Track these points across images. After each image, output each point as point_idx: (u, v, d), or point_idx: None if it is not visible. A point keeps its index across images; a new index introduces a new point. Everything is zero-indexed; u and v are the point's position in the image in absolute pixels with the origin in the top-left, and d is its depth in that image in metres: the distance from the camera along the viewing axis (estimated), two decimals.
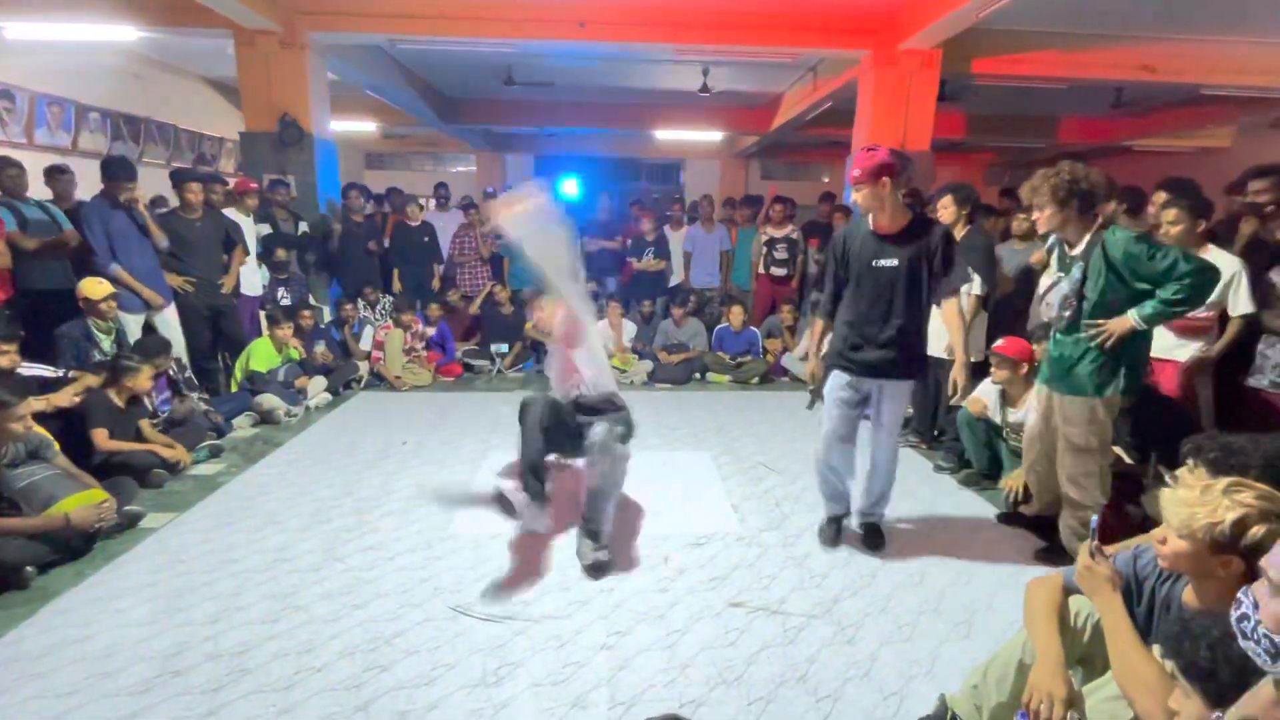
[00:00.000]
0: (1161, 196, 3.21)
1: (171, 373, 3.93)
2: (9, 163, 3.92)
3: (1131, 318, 2.29)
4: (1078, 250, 2.39)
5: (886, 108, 5.60)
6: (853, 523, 2.87)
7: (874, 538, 2.77)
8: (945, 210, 3.57)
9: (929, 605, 2.34)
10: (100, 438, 3.11)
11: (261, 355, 4.51)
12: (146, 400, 3.64)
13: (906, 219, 2.50)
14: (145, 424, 3.43)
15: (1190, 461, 1.60)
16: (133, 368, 3.26)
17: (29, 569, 2.35)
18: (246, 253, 4.87)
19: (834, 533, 2.79)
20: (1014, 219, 4.24)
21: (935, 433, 3.98)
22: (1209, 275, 2.20)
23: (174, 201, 4.57)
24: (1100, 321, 2.35)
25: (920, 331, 2.59)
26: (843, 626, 2.20)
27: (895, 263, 2.48)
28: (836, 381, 2.64)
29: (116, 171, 3.98)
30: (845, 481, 2.78)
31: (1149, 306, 2.26)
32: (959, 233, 3.56)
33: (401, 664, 1.98)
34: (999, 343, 3.17)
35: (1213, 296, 2.83)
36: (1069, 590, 1.53)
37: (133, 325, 4.05)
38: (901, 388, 2.64)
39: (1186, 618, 1.16)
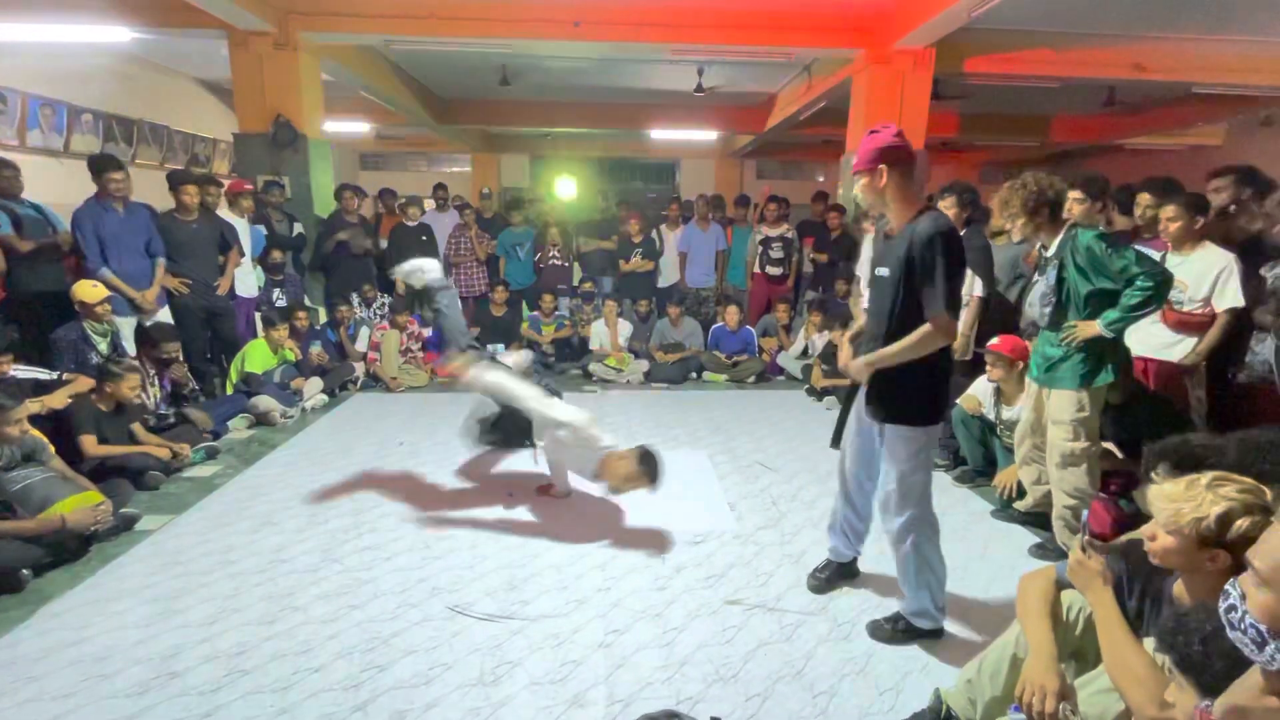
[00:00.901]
0: (1146, 198, 3.24)
1: (176, 361, 3.98)
2: (5, 164, 3.90)
3: (1098, 326, 2.38)
4: (1051, 251, 2.49)
5: (880, 107, 5.62)
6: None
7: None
8: (947, 211, 3.59)
9: None
10: (89, 444, 3.10)
11: (257, 357, 4.51)
12: (147, 398, 3.65)
13: (910, 215, 1.93)
14: (138, 426, 3.42)
15: (1159, 468, 1.61)
16: (117, 374, 3.23)
17: (25, 571, 2.34)
18: (242, 254, 4.85)
19: (825, 579, 2.41)
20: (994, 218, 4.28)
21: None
22: (1161, 277, 2.29)
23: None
24: (1074, 324, 2.45)
25: (917, 362, 1.93)
26: (839, 623, 2.22)
27: (888, 272, 1.97)
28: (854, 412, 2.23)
29: (103, 165, 3.97)
30: (861, 521, 2.33)
31: (1112, 314, 2.35)
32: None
33: (399, 664, 1.98)
34: (994, 341, 3.19)
35: (1205, 291, 2.88)
36: (1061, 584, 1.55)
37: (125, 328, 4.04)
38: (898, 435, 1.99)
39: (1180, 613, 1.18)
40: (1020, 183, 2.45)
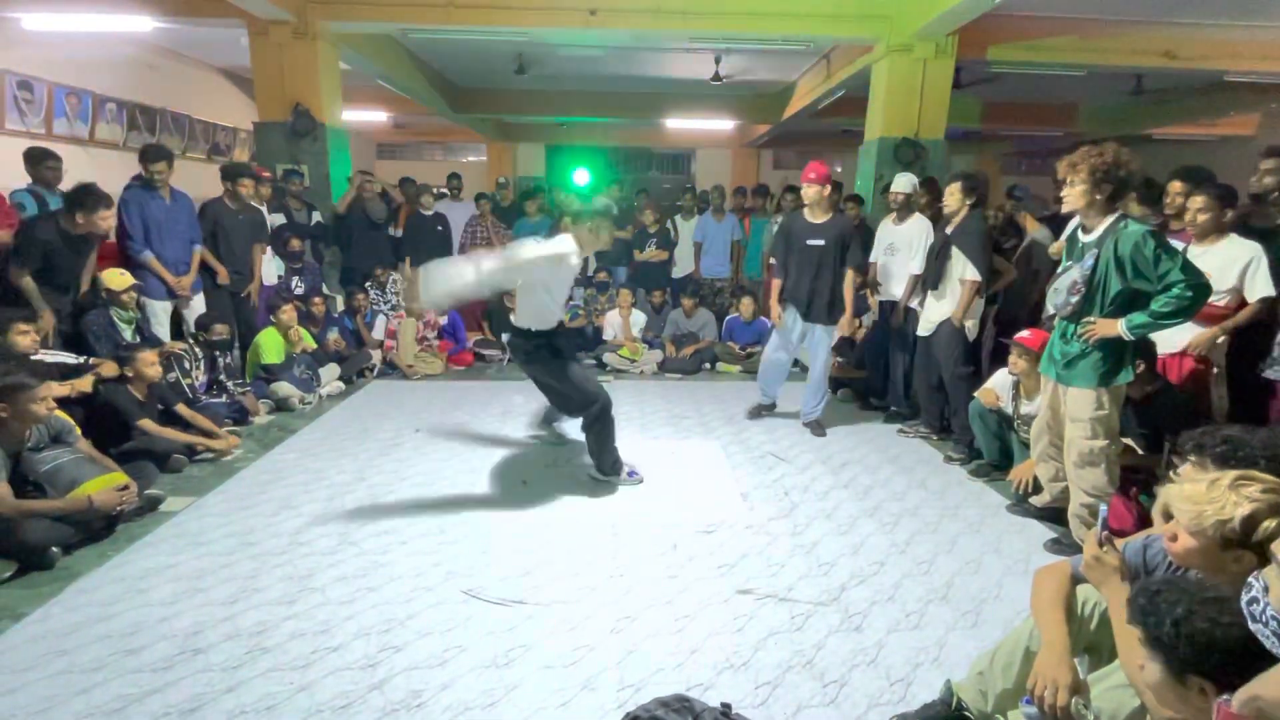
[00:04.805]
0: (1178, 185, 3.17)
1: (218, 355, 4.12)
2: (50, 155, 4.02)
3: (1120, 327, 2.30)
4: (1092, 237, 2.38)
5: (900, 95, 5.53)
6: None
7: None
8: (951, 197, 3.56)
9: (937, 594, 2.35)
10: (149, 426, 3.21)
11: (270, 347, 4.51)
12: (192, 378, 3.77)
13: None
14: (183, 407, 3.52)
15: (1194, 458, 1.58)
16: (128, 357, 3.29)
17: (54, 549, 2.41)
18: (268, 244, 4.95)
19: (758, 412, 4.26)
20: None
21: (945, 423, 3.97)
22: (1200, 291, 2.20)
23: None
24: (1092, 320, 2.36)
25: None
26: (850, 614, 2.22)
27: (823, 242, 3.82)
28: None
29: (149, 155, 4.08)
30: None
31: (1138, 318, 2.27)
32: (958, 220, 3.55)
33: (415, 645, 2.02)
34: (1023, 334, 3.14)
35: (1230, 282, 2.81)
36: (1076, 579, 1.54)
37: (160, 313, 4.14)
38: (828, 332, 3.98)
39: (1152, 589, 1.17)
40: (1098, 150, 2.30)
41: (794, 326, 3.96)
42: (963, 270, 3.50)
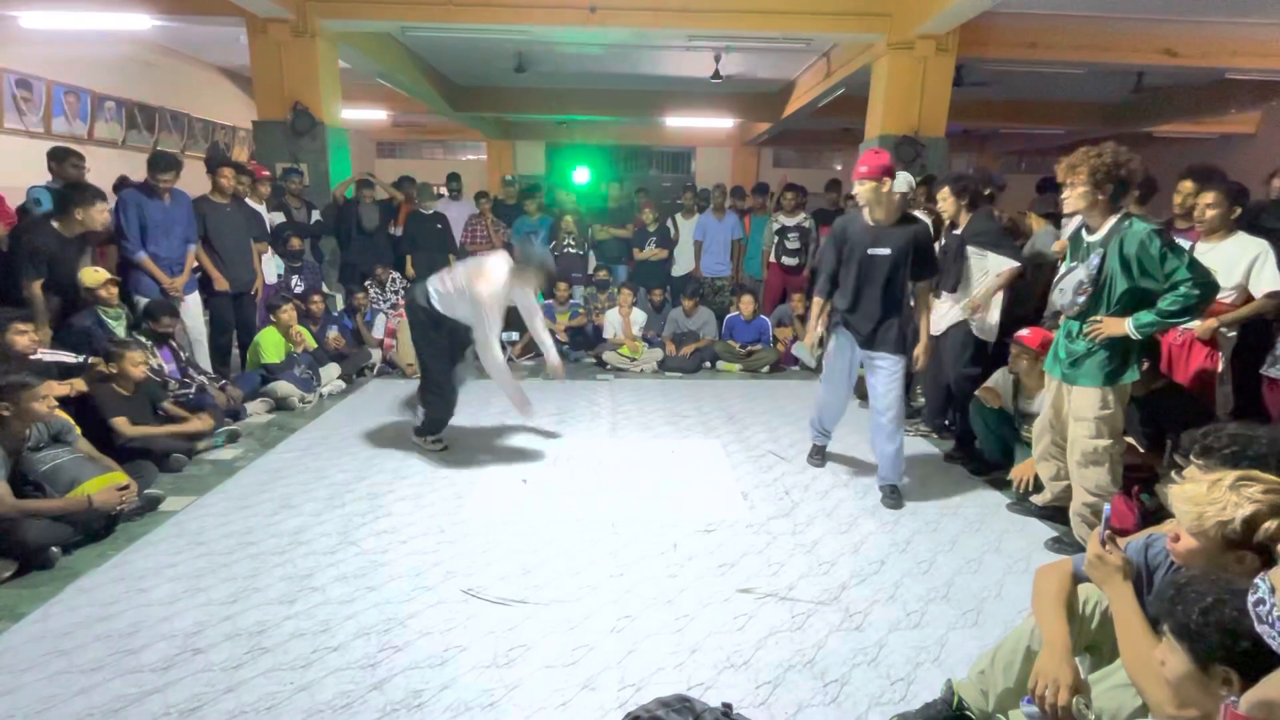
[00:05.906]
0: (1188, 185, 3.17)
1: (175, 344, 4.00)
2: (73, 153, 4.05)
3: (1127, 326, 2.29)
4: (1097, 237, 2.37)
5: (901, 94, 5.53)
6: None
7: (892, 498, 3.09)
8: (944, 201, 3.53)
9: (938, 593, 2.34)
10: (123, 425, 3.16)
11: (270, 346, 4.50)
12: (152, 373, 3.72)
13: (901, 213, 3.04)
14: (169, 404, 3.50)
15: (1200, 461, 1.56)
16: (116, 353, 3.26)
17: (54, 549, 2.41)
18: (270, 242, 4.94)
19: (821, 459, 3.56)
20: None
21: (946, 422, 3.96)
22: (1207, 289, 2.20)
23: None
24: (1098, 319, 2.36)
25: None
26: (851, 613, 2.22)
27: (888, 252, 3.00)
28: None
29: (157, 163, 4.09)
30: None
31: (1146, 316, 2.26)
32: (965, 221, 3.52)
33: (415, 644, 2.02)
34: (1023, 333, 3.13)
35: (1236, 279, 2.81)
36: (1078, 578, 1.53)
37: None
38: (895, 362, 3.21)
39: (1182, 581, 1.17)
40: (1096, 150, 2.29)
41: (845, 355, 3.21)
42: (997, 266, 3.44)
